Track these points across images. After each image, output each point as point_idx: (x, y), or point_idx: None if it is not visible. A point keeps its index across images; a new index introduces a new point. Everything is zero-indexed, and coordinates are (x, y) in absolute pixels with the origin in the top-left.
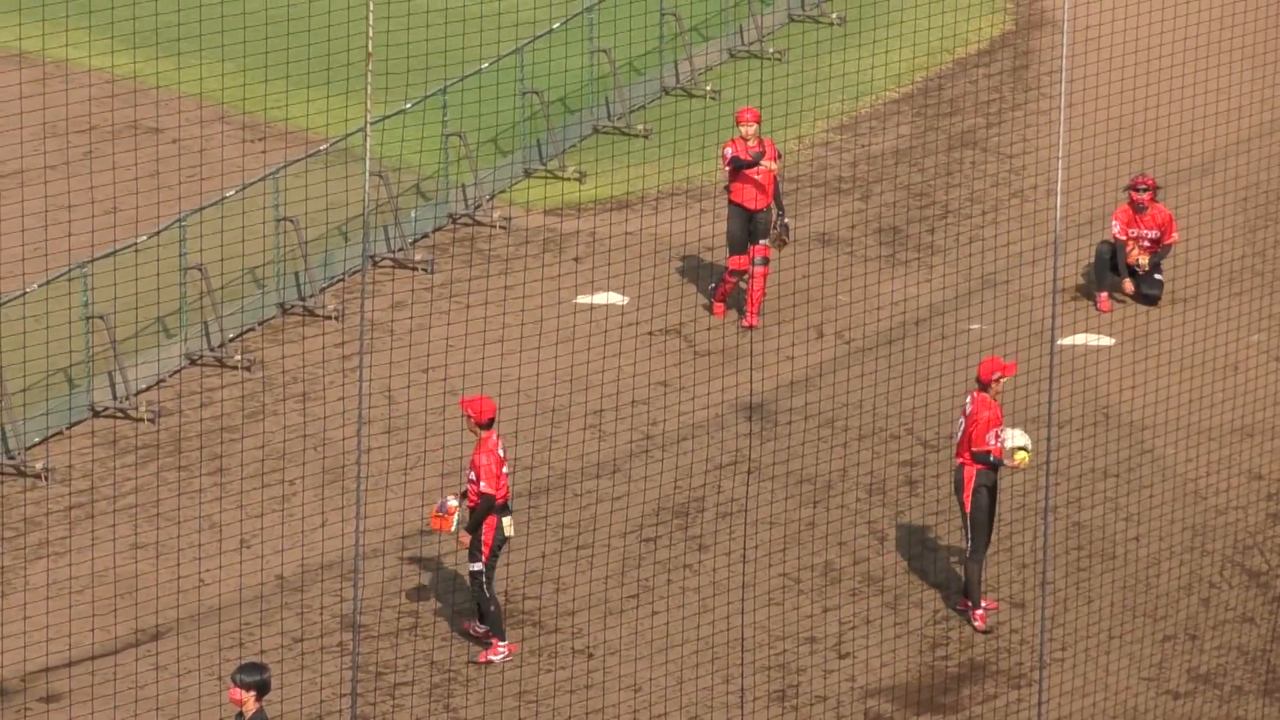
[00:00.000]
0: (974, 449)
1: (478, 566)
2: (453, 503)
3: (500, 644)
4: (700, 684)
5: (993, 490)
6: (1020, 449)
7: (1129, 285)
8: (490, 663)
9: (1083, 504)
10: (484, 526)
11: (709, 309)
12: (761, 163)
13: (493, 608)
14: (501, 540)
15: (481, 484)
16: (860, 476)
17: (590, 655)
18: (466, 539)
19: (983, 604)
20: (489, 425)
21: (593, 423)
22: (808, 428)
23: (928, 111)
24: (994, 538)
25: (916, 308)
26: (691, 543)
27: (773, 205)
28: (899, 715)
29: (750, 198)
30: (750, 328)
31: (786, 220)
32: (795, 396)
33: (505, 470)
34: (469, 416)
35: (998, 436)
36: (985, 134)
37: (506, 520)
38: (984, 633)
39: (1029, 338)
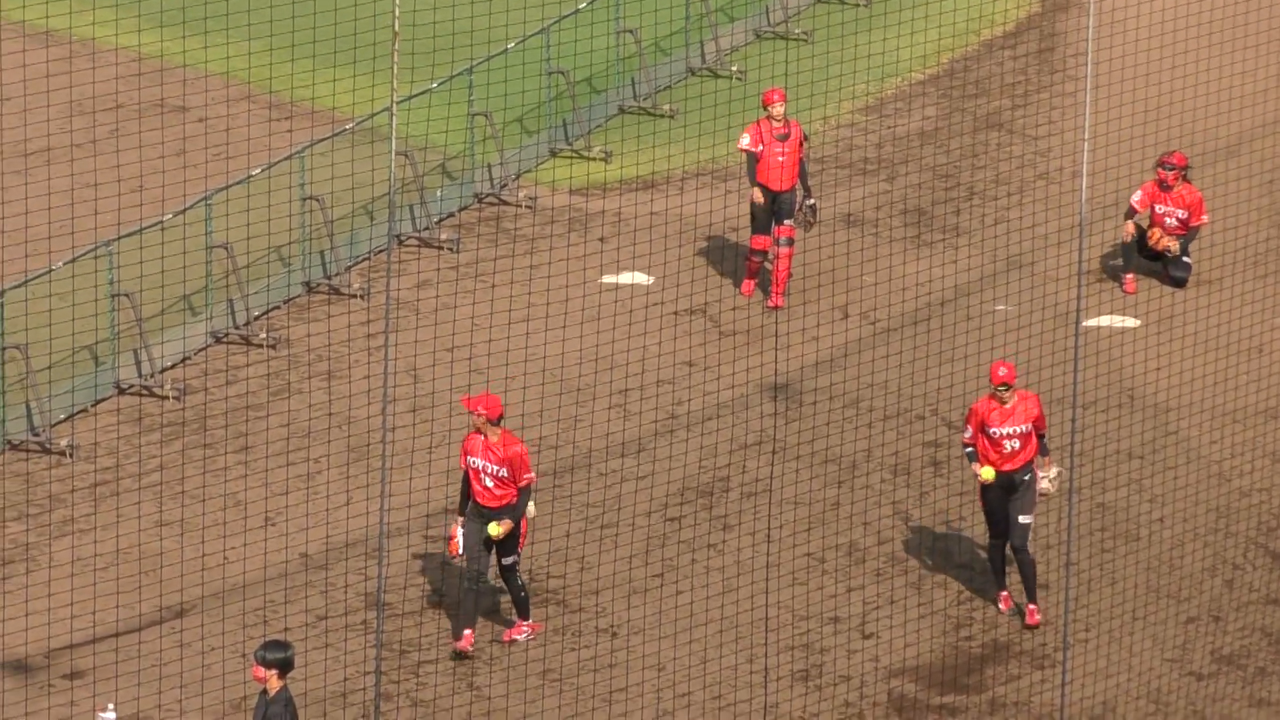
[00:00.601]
0: None
1: (514, 559)
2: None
3: (524, 623)
4: (724, 663)
5: (997, 489)
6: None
7: (1131, 285)
8: (514, 641)
9: (1107, 485)
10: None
11: (738, 286)
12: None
13: (523, 593)
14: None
15: (528, 475)
16: (885, 457)
17: (614, 634)
18: (508, 527)
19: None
20: (500, 420)
21: (618, 402)
22: (832, 408)
23: (954, 93)
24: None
25: (941, 289)
26: (716, 522)
27: (798, 186)
28: (923, 695)
29: (773, 179)
30: (776, 308)
31: (812, 202)
32: (820, 377)
33: None
34: (481, 414)
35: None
36: (1011, 116)
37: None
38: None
39: (1054, 319)
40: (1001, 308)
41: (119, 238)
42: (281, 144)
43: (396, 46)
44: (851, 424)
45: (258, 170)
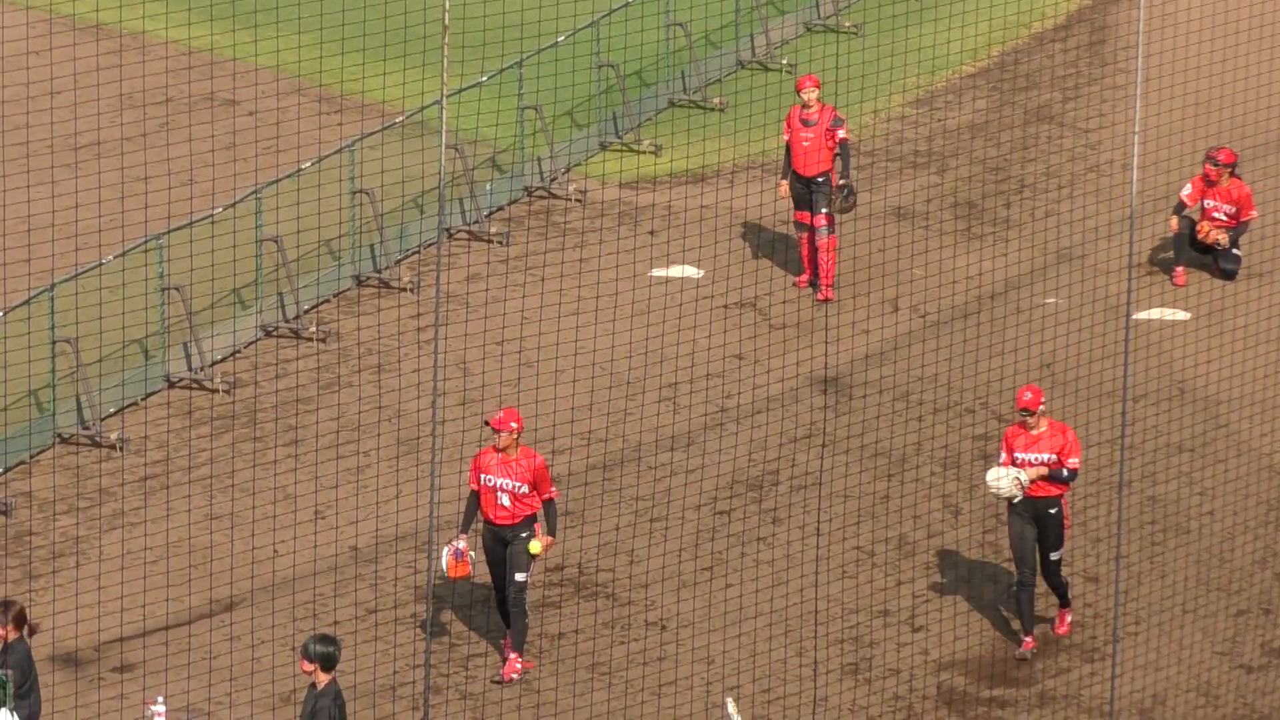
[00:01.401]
0: None
1: (526, 576)
2: (463, 544)
3: (518, 659)
4: (773, 656)
5: (1029, 516)
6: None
7: (1181, 278)
8: (514, 680)
9: (1157, 478)
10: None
11: (789, 279)
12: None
13: (526, 619)
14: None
15: (554, 487)
16: (935, 450)
17: (663, 627)
18: (550, 542)
19: (1023, 637)
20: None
21: (667, 395)
22: (882, 401)
23: (1004, 86)
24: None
25: (992, 282)
26: (765, 516)
27: (832, 171)
28: (972, 689)
29: (800, 164)
30: (825, 301)
31: (843, 182)
32: (870, 370)
33: None
34: (512, 430)
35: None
36: (1061, 108)
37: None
38: (1019, 658)
39: (1104, 312)
40: (1052, 301)
41: (169, 231)
42: (332, 137)
43: (446, 40)
44: (901, 417)
45: (308, 164)
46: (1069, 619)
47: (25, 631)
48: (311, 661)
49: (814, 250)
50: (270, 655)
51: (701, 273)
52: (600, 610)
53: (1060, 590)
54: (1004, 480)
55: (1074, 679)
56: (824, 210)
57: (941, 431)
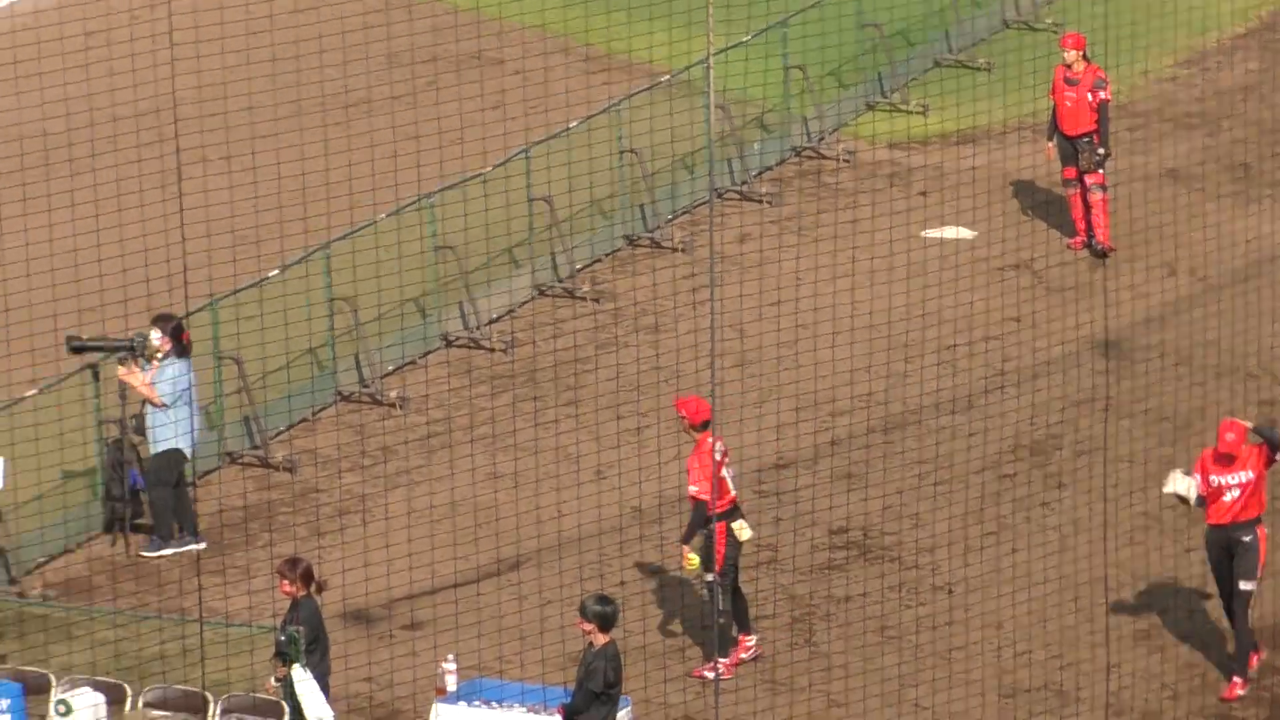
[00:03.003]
0: None
1: (712, 576)
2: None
3: (721, 660)
4: (1064, 622)
5: (1216, 546)
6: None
7: None
8: (704, 678)
9: None
10: (716, 534)
11: (1064, 240)
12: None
13: (722, 620)
14: (736, 546)
15: (692, 486)
16: (1219, 415)
17: (950, 591)
18: (689, 561)
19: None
20: (704, 427)
21: (945, 358)
22: (1164, 365)
23: (1275, 46)
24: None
25: (1271, 245)
26: (1050, 480)
27: (1095, 134)
28: (1269, 657)
29: (1067, 124)
30: (1106, 250)
31: (1102, 151)
32: (1150, 334)
33: (727, 473)
34: (683, 418)
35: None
36: None
37: (737, 525)
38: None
39: None
40: None
41: (440, 190)
42: (599, 97)
43: None
44: (1184, 382)
45: (575, 123)
46: (1239, 690)
47: (313, 588)
48: (589, 621)
49: (1087, 209)
50: (559, 614)
51: (974, 234)
52: (886, 574)
53: (1241, 638)
54: (1179, 484)
55: None
56: (1099, 171)
57: (1225, 396)
